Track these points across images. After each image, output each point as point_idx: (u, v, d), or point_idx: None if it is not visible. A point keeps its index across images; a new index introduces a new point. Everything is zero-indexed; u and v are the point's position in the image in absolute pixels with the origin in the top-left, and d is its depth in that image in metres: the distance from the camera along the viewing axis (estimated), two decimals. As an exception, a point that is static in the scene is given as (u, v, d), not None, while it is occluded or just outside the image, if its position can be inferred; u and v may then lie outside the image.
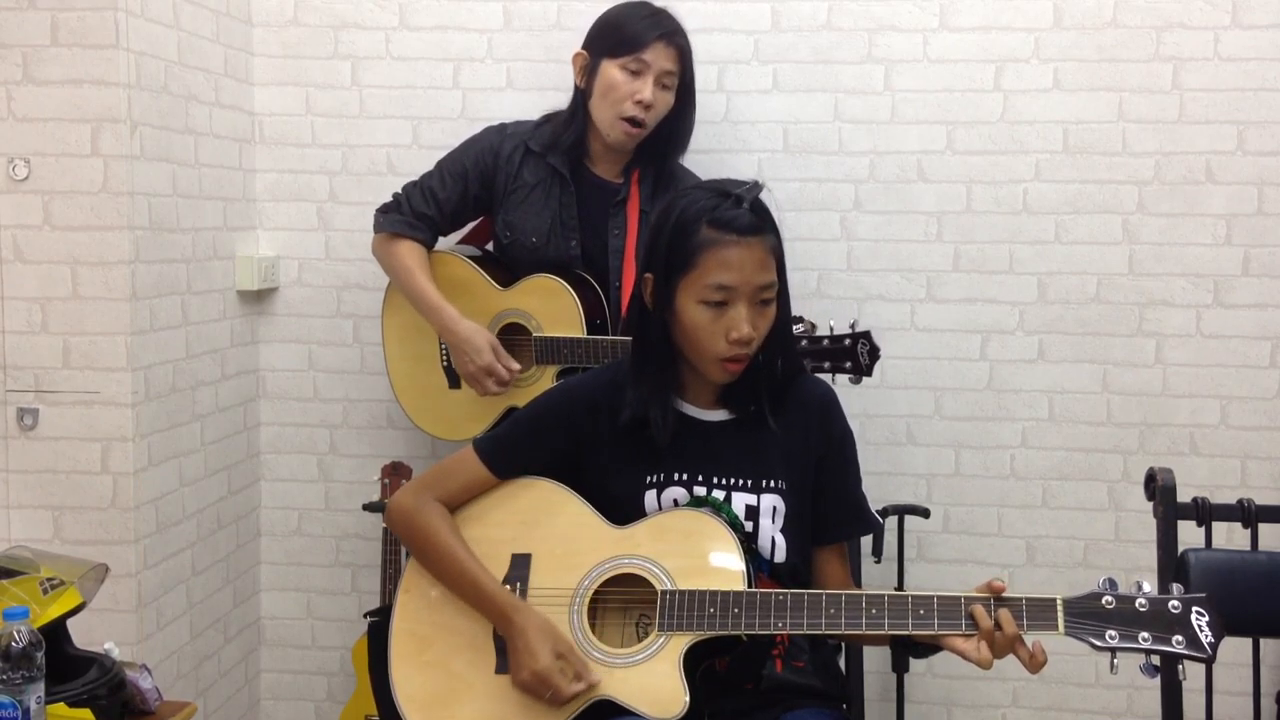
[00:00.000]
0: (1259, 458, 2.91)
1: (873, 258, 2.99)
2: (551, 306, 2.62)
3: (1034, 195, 2.93)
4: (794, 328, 2.37)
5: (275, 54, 3.07)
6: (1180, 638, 1.67)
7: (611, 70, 2.58)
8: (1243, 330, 2.90)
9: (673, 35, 2.60)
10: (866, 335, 2.43)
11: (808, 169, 2.98)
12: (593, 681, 1.84)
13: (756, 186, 1.92)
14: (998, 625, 1.72)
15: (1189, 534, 2.15)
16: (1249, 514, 2.18)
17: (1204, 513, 2.17)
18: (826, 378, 2.41)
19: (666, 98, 2.62)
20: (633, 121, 2.58)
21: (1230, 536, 2.52)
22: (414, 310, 2.73)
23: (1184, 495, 2.16)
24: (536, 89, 2.98)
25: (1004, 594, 1.75)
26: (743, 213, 1.87)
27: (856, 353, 2.42)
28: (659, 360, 1.97)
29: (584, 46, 2.66)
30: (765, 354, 1.97)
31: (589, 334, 2.58)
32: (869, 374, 2.44)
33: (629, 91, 2.57)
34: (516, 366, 2.60)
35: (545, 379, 2.62)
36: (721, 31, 2.96)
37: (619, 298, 2.64)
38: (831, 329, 2.43)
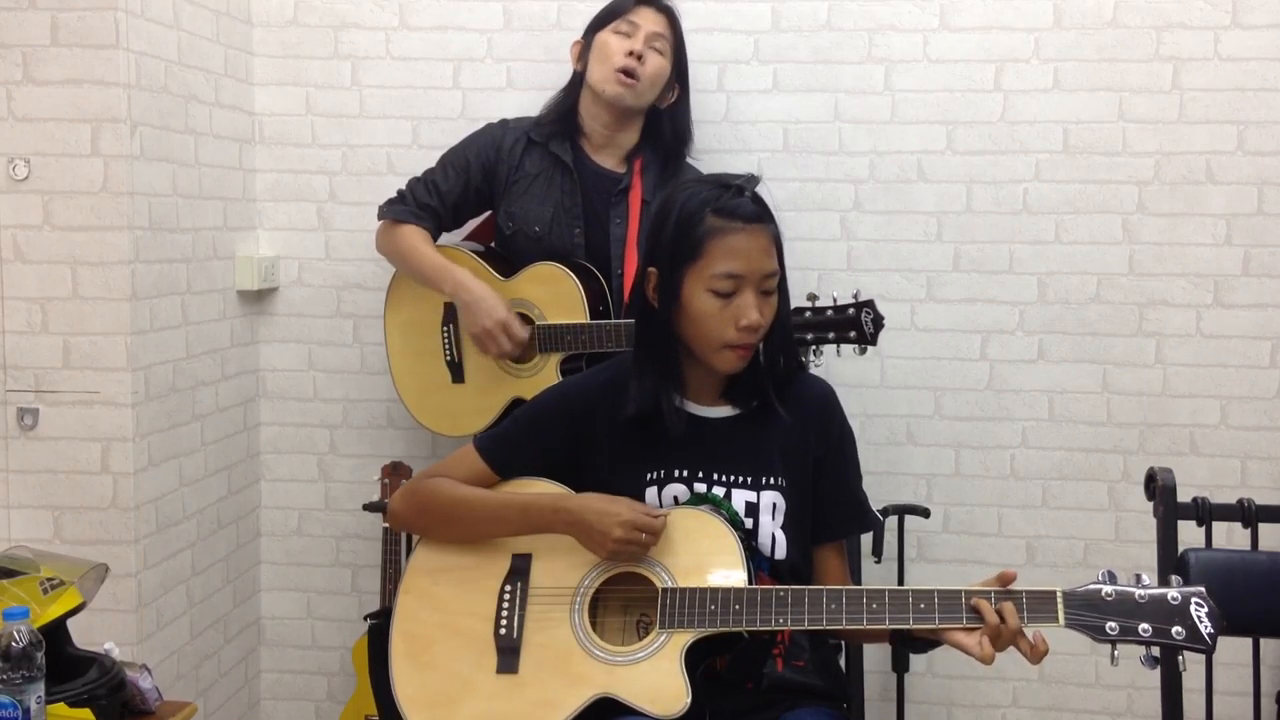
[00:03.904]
0: (1259, 458, 2.91)
1: (873, 258, 2.99)
2: (554, 294, 2.62)
3: (1034, 195, 2.94)
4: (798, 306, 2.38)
5: (275, 54, 3.08)
6: (1180, 629, 1.67)
7: (604, 36, 2.65)
8: (1243, 330, 2.90)
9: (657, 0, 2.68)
10: (870, 304, 2.43)
11: (808, 169, 2.98)
12: (663, 518, 1.89)
13: (754, 179, 1.94)
14: (1001, 618, 1.72)
15: (1189, 534, 2.15)
16: (1249, 514, 2.19)
17: (1204, 513, 2.18)
18: (830, 350, 2.41)
19: (659, 60, 2.66)
20: (626, 72, 2.61)
21: (1230, 536, 2.53)
22: (417, 307, 2.74)
23: (1184, 495, 2.16)
24: (536, 89, 2.97)
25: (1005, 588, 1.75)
26: (745, 201, 1.89)
27: (861, 321, 2.41)
28: (663, 354, 1.97)
29: (581, 37, 2.73)
30: (767, 348, 1.98)
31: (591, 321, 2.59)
32: (873, 342, 2.43)
33: (620, 48, 2.62)
34: (523, 335, 2.60)
35: (549, 367, 2.62)
36: (721, 31, 2.96)
37: (621, 286, 2.65)
38: (835, 299, 2.43)
